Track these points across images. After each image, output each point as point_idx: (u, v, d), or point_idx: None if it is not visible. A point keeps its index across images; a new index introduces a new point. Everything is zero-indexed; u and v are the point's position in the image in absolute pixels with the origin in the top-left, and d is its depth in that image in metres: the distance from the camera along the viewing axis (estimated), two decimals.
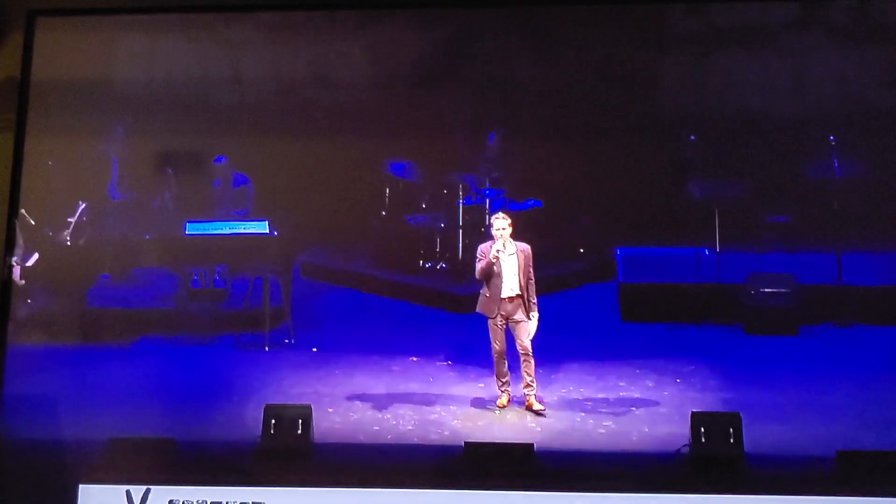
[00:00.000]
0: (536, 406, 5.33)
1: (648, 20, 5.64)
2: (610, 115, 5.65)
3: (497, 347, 5.40)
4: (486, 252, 5.38)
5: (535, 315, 5.41)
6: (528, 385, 5.35)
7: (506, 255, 5.39)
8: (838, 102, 5.57)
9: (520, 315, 5.39)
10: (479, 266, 5.42)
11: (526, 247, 5.43)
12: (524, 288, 5.39)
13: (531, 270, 5.42)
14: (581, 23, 5.64)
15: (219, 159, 5.82)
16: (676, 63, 5.63)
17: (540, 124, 5.70)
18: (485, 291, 5.44)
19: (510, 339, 5.40)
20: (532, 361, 5.36)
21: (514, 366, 5.39)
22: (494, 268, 5.38)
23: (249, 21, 5.77)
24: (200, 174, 5.86)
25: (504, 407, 5.38)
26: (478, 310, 5.47)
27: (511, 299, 5.40)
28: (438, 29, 5.70)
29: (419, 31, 5.72)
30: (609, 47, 5.64)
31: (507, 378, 5.40)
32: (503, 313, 5.40)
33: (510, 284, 5.40)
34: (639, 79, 5.66)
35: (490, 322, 5.43)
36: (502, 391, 5.40)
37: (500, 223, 5.39)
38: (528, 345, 5.36)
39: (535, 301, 5.42)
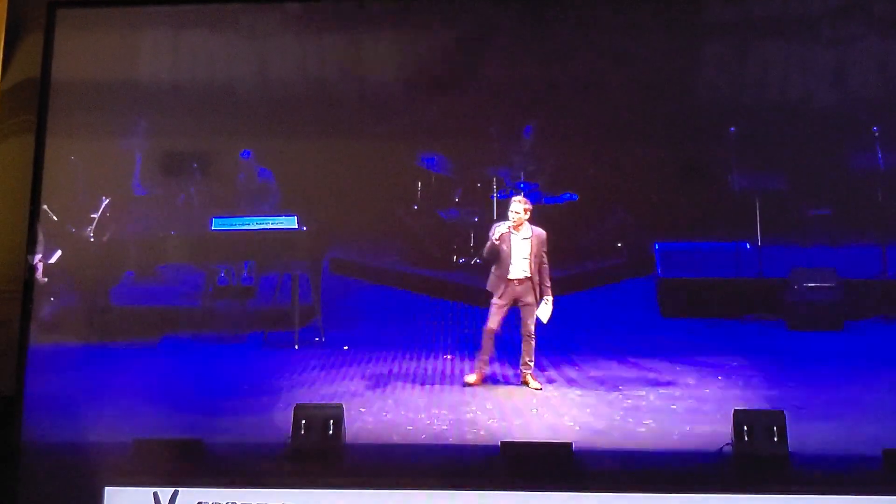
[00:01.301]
0: (534, 384, 5.36)
1: (685, 9, 5.53)
2: (647, 106, 5.53)
3: (491, 326, 5.45)
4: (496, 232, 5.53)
5: (548, 299, 5.46)
6: (525, 364, 5.43)
7: (519, 238, 5.50)
8: (881, 92, 5.46)
9: (530, 298, 5.49)
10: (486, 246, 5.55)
11: (541, 232, 5.51)
12: (535, 272, 5.48)
13: (544, 256, 5.50)
14: (617, 13, 5.52)
15: (245, 154, 5.70)
16: (714, 53, 5.52)
17: (575, 117, 5.59)
18: (495, 270, 5.53)
19: (509, 323, 5.49)
20: (533, 344, 5.44)
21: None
22: (504, 247, 5.49)
23: (276, 13, 5.66)
24: (226, 169, 5.75)
25: (471, 385, 5.36)
26: (487, 286, 5.56)
27: (521, 281, 5.50)
28: (470, 21, 5.59)
29: (451, 22, 5.60)
30: (646, 37, 5.53)
31: (487, 358, 5.41)
32: (512, 295, 5.49)
33: (520, 267, 5.50)
34: (676, 69, 5.54)
35: (493, 299, 5.49)
36: (478, 369, 5.39)
37: (516, 206, 5.51)
38: (532, 328, 5.45)
39: (548, 285, 5.48)
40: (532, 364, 5.41)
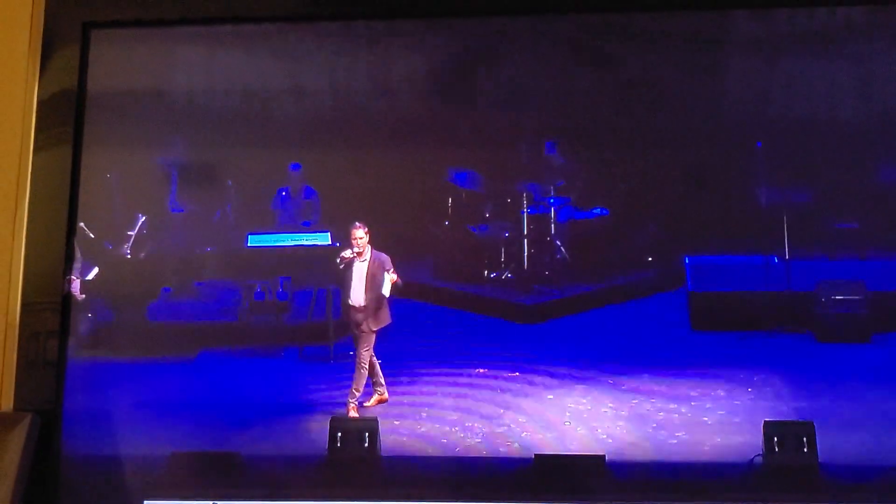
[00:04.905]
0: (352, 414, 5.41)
1: (712, 26, 5.57)
2: (676, 120, 5.58)
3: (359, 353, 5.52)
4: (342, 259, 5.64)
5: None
6: (351, 393, 5.45)
7: (359, 263, 5.59)
8: None
9: (365, 326, 5.55)
10: None
11: (380, 256, 5.57)
12: (370, 299, 5.56)
13: (387, 276, 5.52)
14: (644, 29, 5.57)
15: (294, 166, 5.77)
16: (741, 68, 5.56)
17: (605, 131, 5.63)
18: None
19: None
20: (364, 374, 5.48)
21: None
22: (350, 274, 5.59)
23: (308, 32, 5.72)
24: (262, 186, 5.82)
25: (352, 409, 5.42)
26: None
27: (357, 309, 5.60)
28: (498, 38, 5.64)
29: (478, 40, 5.66)
30: (673, 53, 5.57)
31: (378, 378, 5.45)
32: (354, 321, 5.56)
33: (355, 293, 5.60)
34: (704, 84, 5.58)
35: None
36: (374, 391, 5.45)
37: (357, 233, 5.60)
38: (364, 357, 5.51)
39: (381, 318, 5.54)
40: (357, 394, 5.44)
